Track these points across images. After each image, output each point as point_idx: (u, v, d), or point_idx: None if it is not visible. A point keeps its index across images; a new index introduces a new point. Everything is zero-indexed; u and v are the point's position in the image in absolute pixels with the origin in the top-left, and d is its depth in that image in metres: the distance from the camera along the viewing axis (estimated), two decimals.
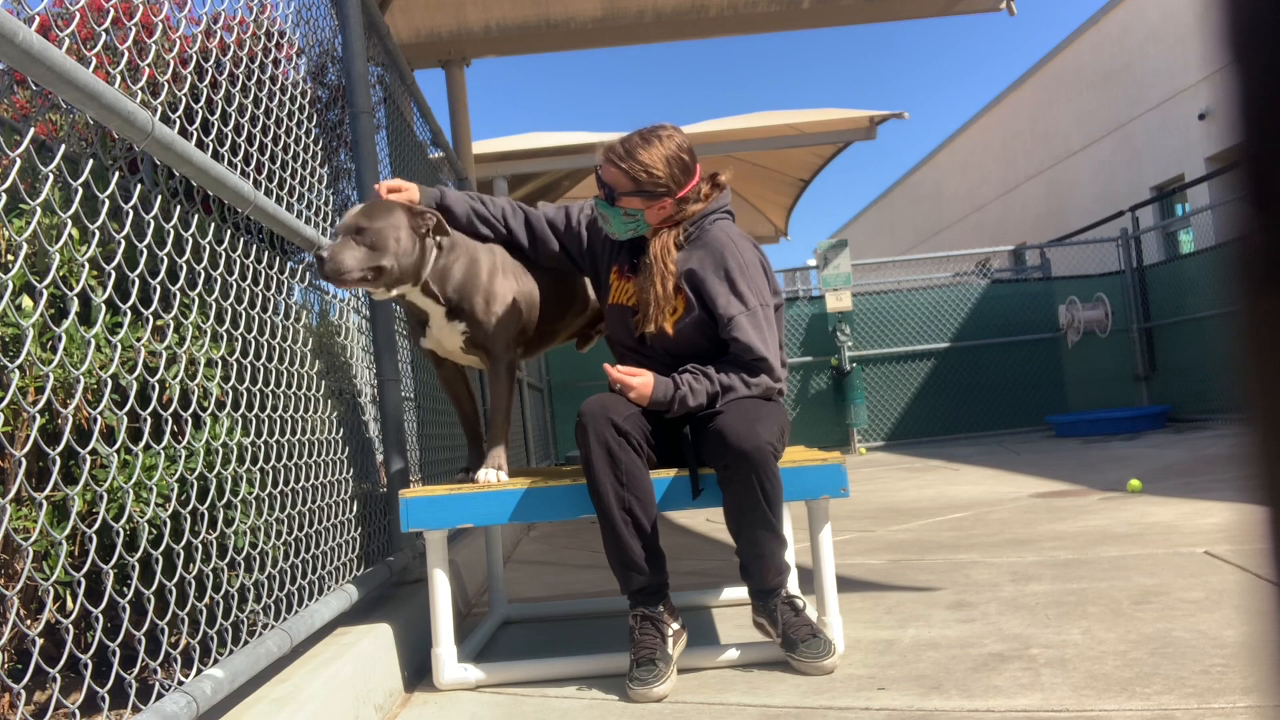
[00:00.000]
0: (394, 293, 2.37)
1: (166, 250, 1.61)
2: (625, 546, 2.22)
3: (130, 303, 1.49)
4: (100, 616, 1.38)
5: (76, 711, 1.35)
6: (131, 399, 1.65)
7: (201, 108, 1.81)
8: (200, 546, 1.68)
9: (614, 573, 2.28)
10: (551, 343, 2.72)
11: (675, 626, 2.24)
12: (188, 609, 1.62)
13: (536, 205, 2.71)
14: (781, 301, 2.47)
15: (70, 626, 1.29)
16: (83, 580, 1.41)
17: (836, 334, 9.82)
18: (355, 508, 2.61)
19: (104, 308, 1.57)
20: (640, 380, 2.31)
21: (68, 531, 1.39)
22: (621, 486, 2.21)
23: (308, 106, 2.59)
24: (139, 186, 1.56)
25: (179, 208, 1.69)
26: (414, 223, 2.32)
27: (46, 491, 1.37)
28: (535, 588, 3.61)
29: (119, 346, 1.51)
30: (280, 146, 2.29)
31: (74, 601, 1.60)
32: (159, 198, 1.59)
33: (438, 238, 2.38)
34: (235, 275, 1.94)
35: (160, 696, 1.35)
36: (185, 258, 1.69)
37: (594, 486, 2.22)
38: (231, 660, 1.57)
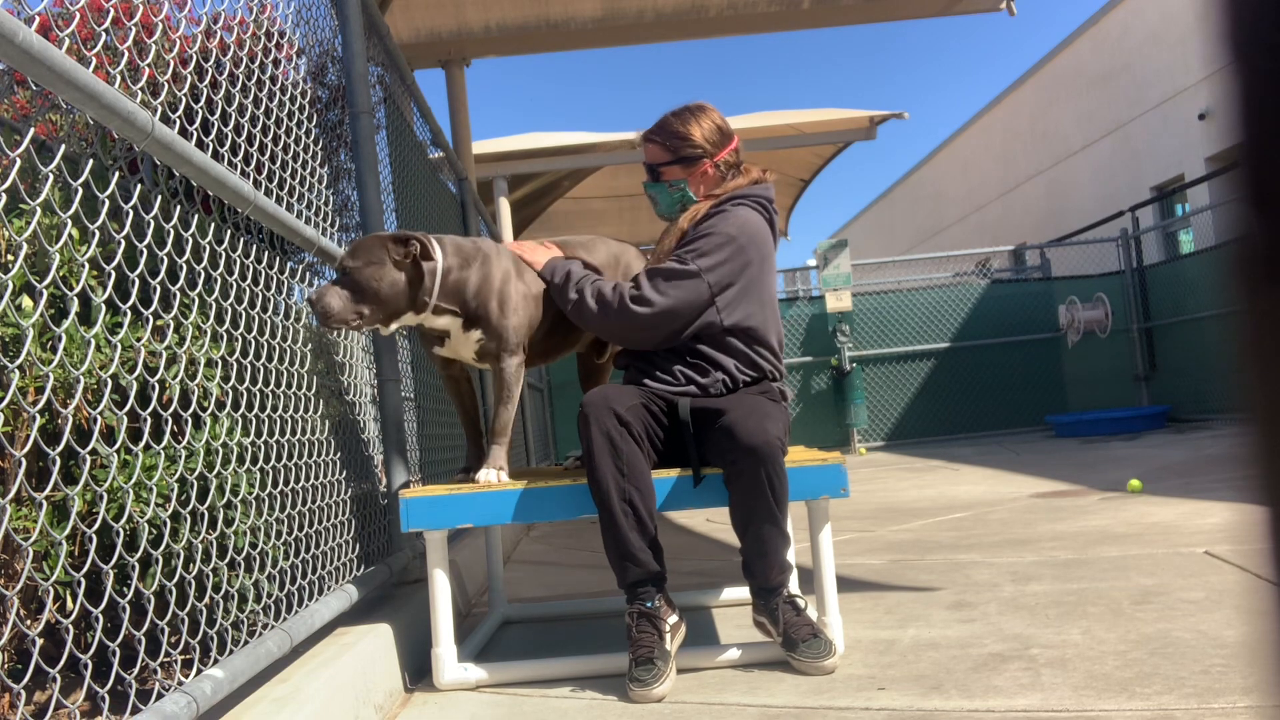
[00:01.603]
0: (393, 327, 2.36)
1: (166, 250, 1.61)
2: (624, 537, 2.22)
3: (130, 303, 1.49)
4: (100, 616, 1.38)
5: (76, 711, 1.35)
6: (131, 399, 1.65)
7: (201, 108, 1.81)
8: (200, 546, 1.68)
9: (611, 565, 2.27)
10: (568, 349, 2.70)
11: (673, 619, 2.24)
12: (188, 609, 1.62)
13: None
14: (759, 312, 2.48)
15: (70, 626, 1.29)
16: (83, 580, 1.41)
17: (836, 334, 9.83)
18: (355, 508, 2.61)
19: (104, 308, 1.57)
20: (544, 253, 2.54)
21: (68, 531, 1.39)
22: (622, 476, 2.22)
23: (308, 106, 2.59)
24: (139, 186, 1.56)
25: (179, 208, 1.69)
26: (396, 254, 2.27)
27: (46, 491, 1.37)
28: (535, 588, 3.61)
29: (119, 346, 1.51)
30: (280, 146, 2.29)
31: (74, 601, 1.60)
32: (159, 198, 1.59)
33: (431, 262, 2.32)
34: (235, 275, 1.94)
35: (160, 697, 1.35)
36: (185, 258, 1.69)
37: (594, 476, 2.23)
38: (231, 660, 1.57)
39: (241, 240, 2.00)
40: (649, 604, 2.23)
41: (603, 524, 2.25)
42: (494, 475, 2.39)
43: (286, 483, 2.09)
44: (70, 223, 1.44)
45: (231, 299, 1.91)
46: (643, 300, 2.38)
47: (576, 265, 2.51)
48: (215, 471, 1.75)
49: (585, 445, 2.25)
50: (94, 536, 1.41)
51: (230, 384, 1.86)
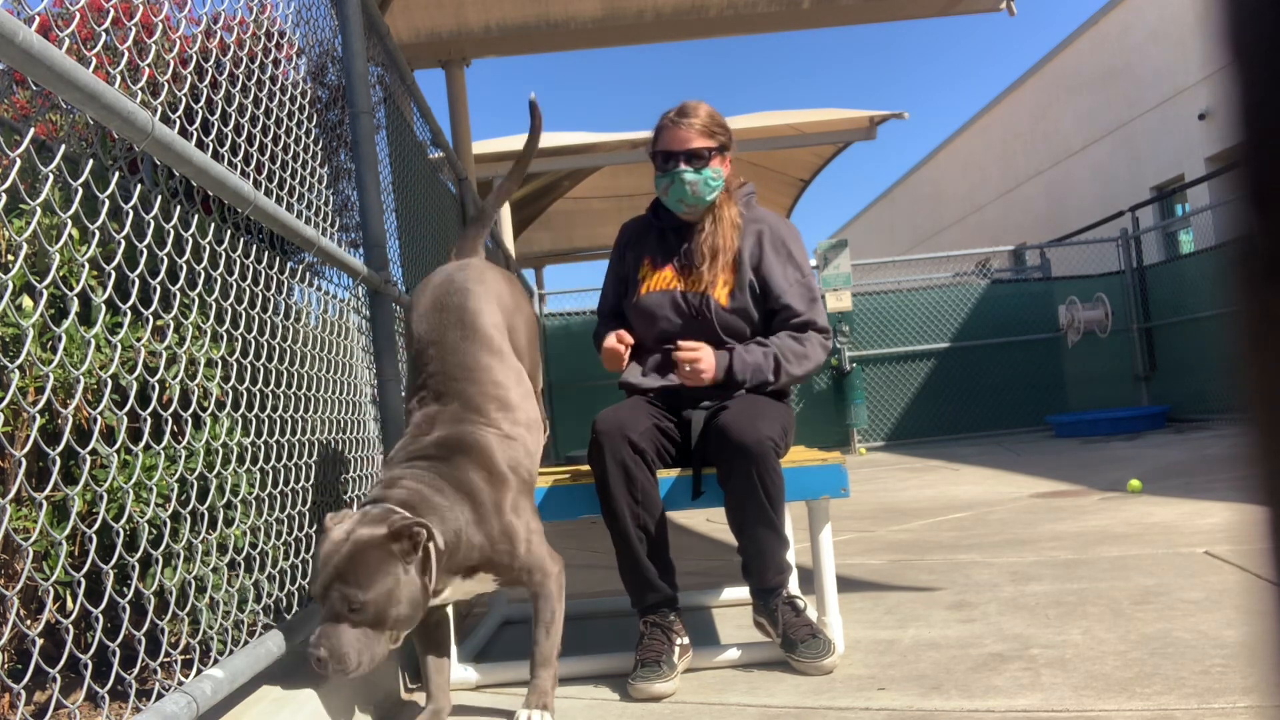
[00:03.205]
0: (400, 642, 1.79)
1: (166, 250, 1.61)
2: (639, 564, 2.23)
3: (130, 303, 1.49)
4: (100, 616, 1.38)
5: (76, 711, 1.35)
6: (131, 399, 1.65)
7: (201, 108, 1.81)
8: (200, 546, 1.68)
9: (626, 588, 2.29)
10: None
11: (684, 641, 2.24)
12: (188, 609, 1.62)
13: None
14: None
15: (70, 626, 1.29)
16: (83, 580, 1.41)
17: (836, 334, 9.82)
18: (356, 508, 2.60)
19: (104, 308, 1.57)
20: (709, 360, 2.36)
21: (68, 531, 1.39)
22: (636, 504, 2.21)
23: (308, 106, 2.59)
24: (139, 186, 1.56)
25: (179, 208, 1.69)
26: (407, 560, 1.69)
27: (46, 491, 1.37)
28: None
29: (119, 346, 1.51)
30: (280, 146, 2.28)
31: (74, 601, 1.60)
32: (159, 198, 1.59)
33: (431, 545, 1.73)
34: (235, 275, 1.94)
35: (160, 697, 1.35)
36: (185, 258, 1.69)
37: (609, 505, 2.22)
38: (231, 660, 1.57)
39: (241, 240, 2.00)
40: (664, 618, 2.24)
41: (618, 550, 2.25)
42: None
43: (286, 483, 2.09)
44: (70, 223, 1.44)
45: (231, 299, 1.91)
46: (824, 330, 2.48)
47: (751, 354, 2.40)
48: (215, 471, 1.75)
49: (598, 472, 2.24)
50: (94, 536, 1.41)
51: (230, 384, 1.86)
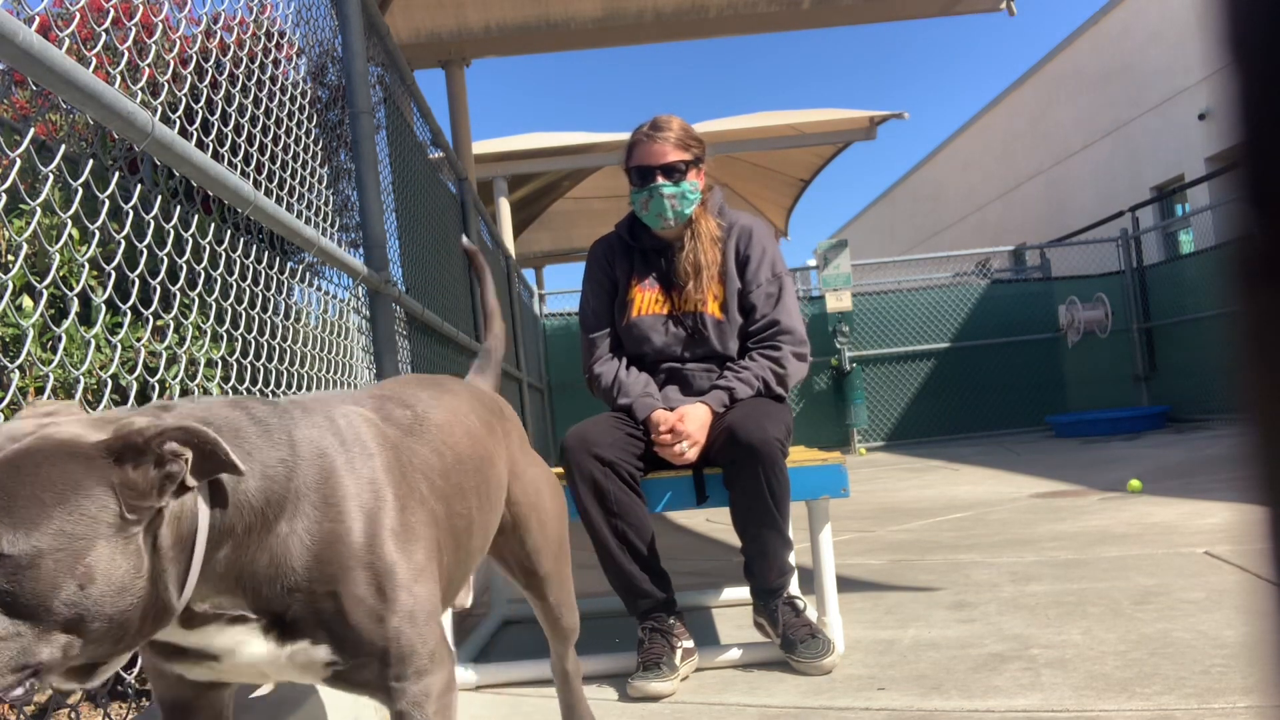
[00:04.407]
0: (99, 678, 0.87)
1: (166, 250, 1.61)
2: (625, 573, 2.24)
3: (130, 303, 1.49)
4: None
5: (77, 711, 1.35)
6: (131, 399, 1.65)
7: (201, 108, 1.81)
8: None
9: (620, 597, 2.30)
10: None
11: (687, 644, 2.24)
12: None
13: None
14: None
15: None
16: None
17: (836, 334, 9.82)
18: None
19: (104, 308, 1.57)
20: (699, 417, 2.32)
21: None
22: (612, 516, 2.23)
23: (308, 106, 2.59)
24: (139, 186, 1.56)
25: (179, 208, 1.69)
26: (128, 497, 0.81)
27: None
28: None
29: (119, 346, 1.51)
30: (280, 146, 2.28)
31: None
32: (159, 198, 1.59)
33: (190, 489, 0.85)
34: (235, 275, 1.94)
35: None
36: (185, 258, 1.69)
37: (585, 520, 2.25)
38: None
39: (241, 240, 2.00)
40: (663, 623, 2.24)
41: (603, 564, 2.27)
42: None
43: None
44: (70, 223, 1.44)
45: (231, 299, 1.91)
46: (801, 339, 2.44)
47: (740, 390, 2.37)
48: None
49: (571, 490, 2.25)
50: None
51: (230, 384, 1.86)
